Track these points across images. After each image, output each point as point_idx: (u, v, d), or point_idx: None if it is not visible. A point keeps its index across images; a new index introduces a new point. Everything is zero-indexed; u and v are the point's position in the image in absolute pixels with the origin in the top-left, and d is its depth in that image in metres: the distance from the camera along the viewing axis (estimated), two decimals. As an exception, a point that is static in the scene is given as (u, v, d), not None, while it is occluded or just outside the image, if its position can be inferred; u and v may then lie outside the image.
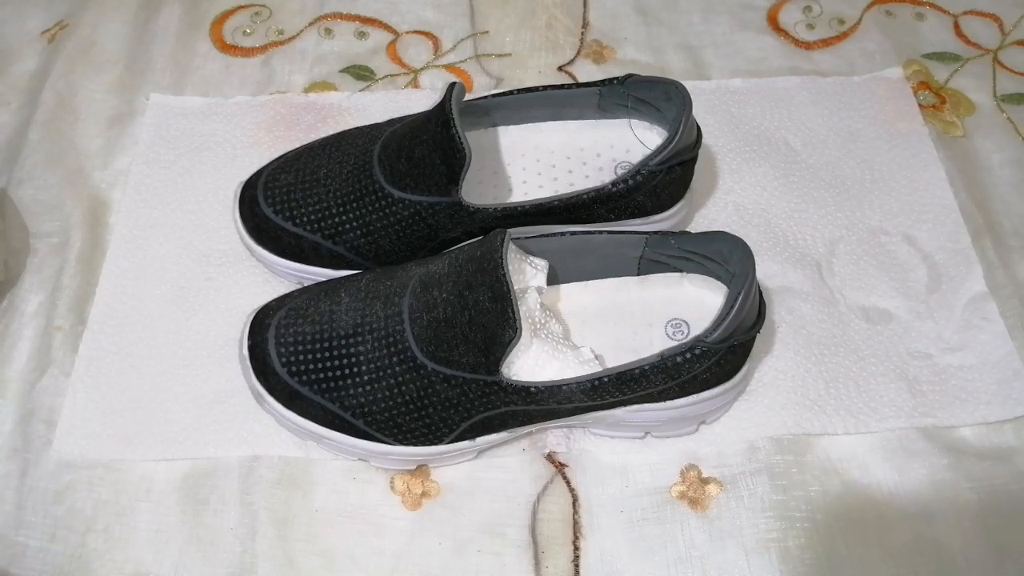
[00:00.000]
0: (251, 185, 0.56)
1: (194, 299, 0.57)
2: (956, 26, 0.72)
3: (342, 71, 0.69)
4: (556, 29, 0.72)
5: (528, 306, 0.48)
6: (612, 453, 0.52)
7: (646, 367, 0.46)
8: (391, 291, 0.49)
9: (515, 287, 0.45)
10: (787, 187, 0.62)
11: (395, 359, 0.47)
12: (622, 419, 0.50)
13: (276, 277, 0.57)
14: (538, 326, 0.48)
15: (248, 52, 0.70)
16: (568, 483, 0.51)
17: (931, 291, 0.58)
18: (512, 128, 0.58)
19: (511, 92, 0.56)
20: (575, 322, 0.52)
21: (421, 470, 0.51)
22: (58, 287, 0.58)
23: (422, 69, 0.69)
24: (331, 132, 0.60)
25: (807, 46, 0.71)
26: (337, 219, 0.53)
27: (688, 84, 0.53)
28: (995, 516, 0.50)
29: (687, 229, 0.59)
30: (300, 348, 0.49)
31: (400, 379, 0.47)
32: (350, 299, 0.50)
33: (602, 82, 0.56)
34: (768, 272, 0.58)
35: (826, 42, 0.71)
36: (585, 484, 0.51)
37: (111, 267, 0.58)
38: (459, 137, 0.49)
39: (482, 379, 0.46)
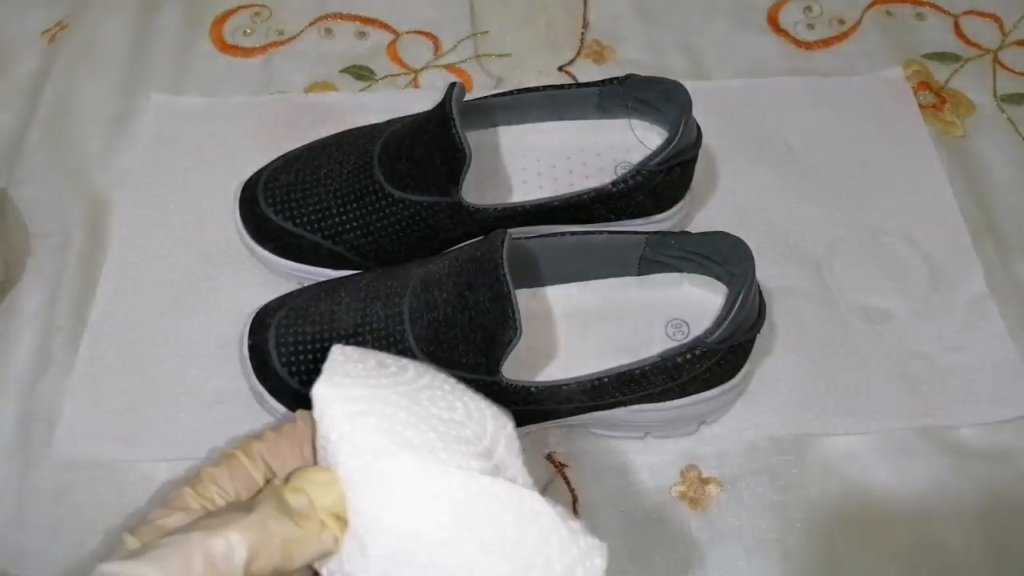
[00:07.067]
0: (251, 185, 0.56)
1: (194, 299, 0.57)
2: (956, 26, 0.72)
3: (342, 71, 0.69)
4: (556, 29, 0.72)
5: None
6: (612, 453, 0.52)
7: (646, 367, 0.46)
8: (391, 291, 0.49)
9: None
10: (787, 187, 0.62)
11: (395, 359, 0.47)
12: (622, 419, 0.50)
13: (276, 277, 0.57)
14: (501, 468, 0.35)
15: (248, 52, 0.70)
16: (568, 483, 0.51)
17: (931, 291, 0.58)
18: (512, 128, 0.58)
19: (511, 92, 0.56)
20: (575, 322, 0.52)
21: (421, 470, 0.51)
22: (58, 287, 0.58)
23: (422, 69, 0.69)
24: (331, 132, 0.60)
25: (807, 46, 0.71)
26: (337, 219, 0.53)
27: (688, 84, 0.53)
28: (995, 516, 0.50)
29: (687, 229, 0.59)
30: (300, 348, 0.49)
31: (400, 379, 0.47)
32: (350, 299, 0.50)
33: (602, 82, 0.56)
34: (768, 272, 0.58)
35: (826, 42, 0.71)
36: (585, 484, 0.51)
37: (111, 267, 0.58)
38: (459, 137, 0.49)
39: (482, 379, 0.46)
